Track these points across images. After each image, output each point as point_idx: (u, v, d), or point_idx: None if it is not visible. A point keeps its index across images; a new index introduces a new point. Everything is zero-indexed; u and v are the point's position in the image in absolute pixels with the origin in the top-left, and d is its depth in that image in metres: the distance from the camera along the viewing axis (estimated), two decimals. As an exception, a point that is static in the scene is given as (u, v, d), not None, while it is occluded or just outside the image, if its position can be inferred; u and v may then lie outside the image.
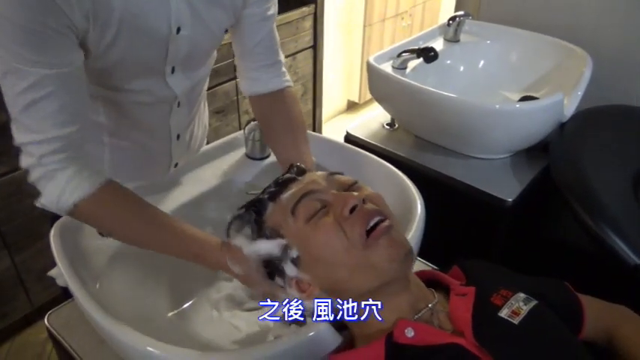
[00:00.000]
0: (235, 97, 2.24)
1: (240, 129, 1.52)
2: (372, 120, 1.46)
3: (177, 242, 0.73)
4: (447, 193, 1.23)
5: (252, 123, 1.02)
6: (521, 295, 0.63)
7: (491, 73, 1.52)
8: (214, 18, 0.83)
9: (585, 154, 1.13)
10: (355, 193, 0.63)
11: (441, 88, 1.19)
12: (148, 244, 0.75)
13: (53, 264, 0.78)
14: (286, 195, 0.67)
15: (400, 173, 0.93)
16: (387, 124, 1.44)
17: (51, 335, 0.85)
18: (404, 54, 1.32)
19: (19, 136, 0.70)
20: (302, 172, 0.71)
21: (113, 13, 0.70)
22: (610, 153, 1.17)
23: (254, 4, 0.88)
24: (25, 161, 0.71)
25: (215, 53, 0.98)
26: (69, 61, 0.68)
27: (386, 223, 0.61)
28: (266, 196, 0.69)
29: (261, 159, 1.05)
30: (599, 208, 1.00)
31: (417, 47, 1.30)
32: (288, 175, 0.70)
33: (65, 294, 0.82)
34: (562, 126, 1.22)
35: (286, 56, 2.45)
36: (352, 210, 0.61)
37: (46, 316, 0.86)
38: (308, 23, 2.50)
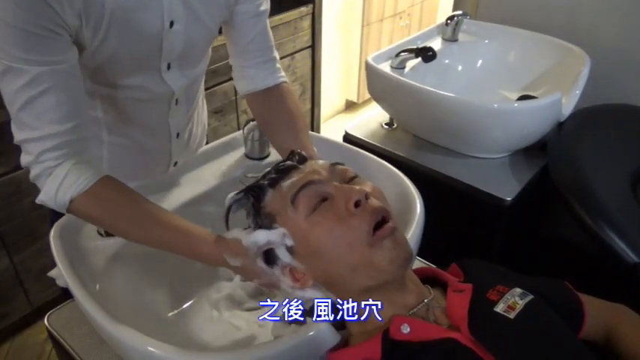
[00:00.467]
0: (234, 97, 2.25)
1: (238, 129, 1.52)
2: (371, 120, 1.46)
3: (173, 237, 0.72)
4: (446, 192, 1.23)
5: (251, 123, 1.02)
6: (518, 290, 0.63)
7: (490, 73, 1.52)
8: (208, 12, 0.83)
9: (583, 153, 1.13)
10: (357, 187, 0.62)
11: (440, 87, 1.19)
12: (143, 239, 0.75)
13: (52, 264, 0.78)
14: (287, 183, 0.65)
15: (399, 173, 0.93)
16: (386, 124, 1.44)
17: (51, 336, 0.85)
18: (402, 54, 1.32)
19: (18, 134, 0.71)
20: (303, 160, 0.69)
21: (104, 8, 0.70)
22: (608, 152, 1.17)
23: (246, 0, 0.89)
24: (24, 159, 0.72)
25: (210, 51, 0.98)
26: (64, 59, 0.69)
27: (391, 223, 0.61)
28: (266, 182, 0.67)
29: (261, 159, 1.05)
30: (597, 206, 1.00)
31: (415, 47, 1.30)
32: (289, 163, 0.69)
33: (65, 294, 0.82)
34: (560, 125, 1.23)
35: (284, 56, 2.45)
36: (356, 205, 0.60)
37: (45, 317, 0.86)
38: (306, 23, 2.50)
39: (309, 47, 2.59)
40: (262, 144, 1.04)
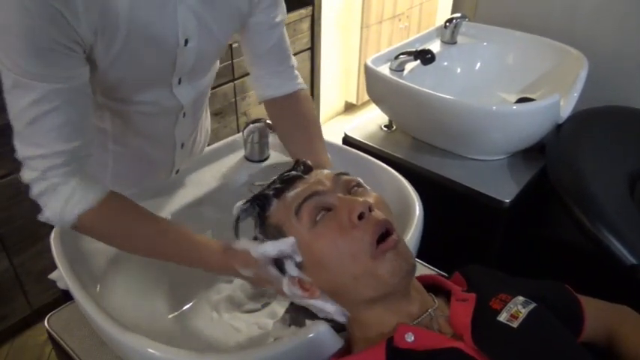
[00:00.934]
0: (234, 99, 2.25)
1: (238, 131, 1.52)
2: (370, 122, 1.47)
3: (180, 250, 0.73)
4: (445, 194, 1.23)
5: (251, 125, 1.03)
6: (520, 298, 0.64)
7: (488, 75, 1.53)
8: (220, 27, 0.82)
9: (582, 155, 1.14)
10: (361, 199, 0.62)
11: (439, 89, 1.20)
12: (151, 253, 0.75)
13: (52, 266, 0.78)
14: (291, 194, 0.66)
15: (398, 175, 0.94)
16: (385, 126, 1.44)
17: (51, 337, 0.85)
18: (401, 56, 1.32)
19: (23, 150, 0.69)
20: (308, 169, 0.70)
21: (120, 26, 0.69)
22: (606, 154, 1.18)
23: (261, 12, 0.88)
24: (27, 175, 0.70)
25: (218, 62, 0.98)
26: (75, 75, 0.68)
27: (394, 236, 0.61)
28: (271, 193, 0.68)
29: (260, 161, 1.05)
30: (595, 208, 1.01)
31: (414, 49, 1.31)
32: (294, 173, 0.69)
33: (65, 297, 0.82)
34: (559, 127, 1.23)
35: (284, 58, 2.45)
36: (360, 217, 0.60)
37: (46, 319, 0.86)
38: (305, 25, 2.51)
39: (308, 49, 2.59)
40: (262, 146, 1.04)
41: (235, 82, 2.19)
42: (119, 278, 0.82)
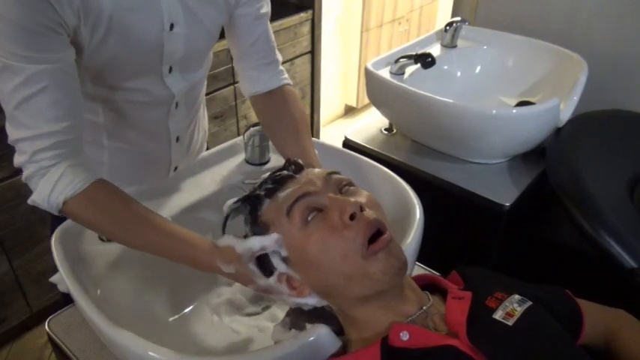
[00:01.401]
0: (234, 103, 2.25)
1: (238, 134, 1.52)
2: (370, 125, 1.47)
3: (166, 243, 0.72)
4: (445, 197, 1.24)
5: (251, 129, 1.03)
6: (516, 296, 0.64)
7: (488, 79, 1.53)
8: (207, 15, 0.84)
9: (581, 159, 1.14)
10: (352, 199, 0.62)
11: (439, 93, 1.20)
12: (136, 243, 0.74)
13: (52, 268, 0.78)
14: (283, 194, 0.66)
15: (398, 178, 0.94)
16: (385, 129, 1.44)
17: (51, 340, 0.85)
18: (401, 60, 1.33)
19: (12, 133, 0.71)
20: (299, 168, 0.70)
21: (103, 9, 0.71)
22: (606, 157, 1.18)
23: (246, 3, 0.89)
24: (18, 159, 0.71)
25: (211, 55, 0.99)
26: (60, 58, 0.70)
27: (386, 236, 0.61)
28: (262, 193, 0.68)
29: (261, 164, 1.06)
30: (595, 211, 1.01)
31: (414, 53, 1.31)
32: (285, 172, 0.69)
33: (66, 299, 0.82)
34: (558, 131, 1.23)
35: (284, 61, 2.44)
36: (351, 217, 0.60)
37: (46, 322, 0.87)
38: (306, 29, 2.51)
39: (308, 52, 2.60)
40: (262, 150, 1.05)
41: (235, 85, 2.19)
42: (120, 281, 0.82)
